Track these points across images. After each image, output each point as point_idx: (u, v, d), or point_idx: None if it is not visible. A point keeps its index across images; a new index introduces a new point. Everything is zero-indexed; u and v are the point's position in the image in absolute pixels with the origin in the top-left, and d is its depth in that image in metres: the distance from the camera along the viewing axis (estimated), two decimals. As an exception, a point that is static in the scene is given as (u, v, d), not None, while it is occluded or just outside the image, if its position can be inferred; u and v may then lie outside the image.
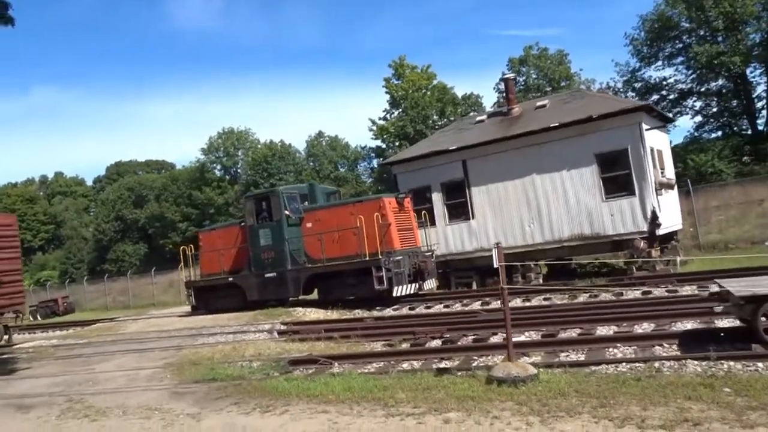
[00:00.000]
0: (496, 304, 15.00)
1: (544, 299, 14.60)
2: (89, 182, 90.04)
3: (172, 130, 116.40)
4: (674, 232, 19.36)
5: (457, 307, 15.59)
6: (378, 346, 10.94)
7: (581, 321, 10.00)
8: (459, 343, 10.19)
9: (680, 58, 37.24)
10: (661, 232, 17.04)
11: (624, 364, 6.68)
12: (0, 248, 18.42)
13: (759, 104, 37.05)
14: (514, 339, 9.63)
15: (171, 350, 12.47)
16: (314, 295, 19.38)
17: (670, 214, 18.39)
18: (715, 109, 38.31)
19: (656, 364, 6.45)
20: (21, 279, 20.13)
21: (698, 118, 38.60)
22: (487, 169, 19.07)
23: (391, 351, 9.68)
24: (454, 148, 19.65)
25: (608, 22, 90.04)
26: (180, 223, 59.19)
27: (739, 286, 7.15)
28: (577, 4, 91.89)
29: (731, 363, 6.23)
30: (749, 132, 37.06)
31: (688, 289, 12.97)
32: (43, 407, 8.25)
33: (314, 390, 6.96)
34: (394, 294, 16.76)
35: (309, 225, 18.58)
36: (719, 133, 38.28)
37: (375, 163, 54.91)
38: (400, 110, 51.09)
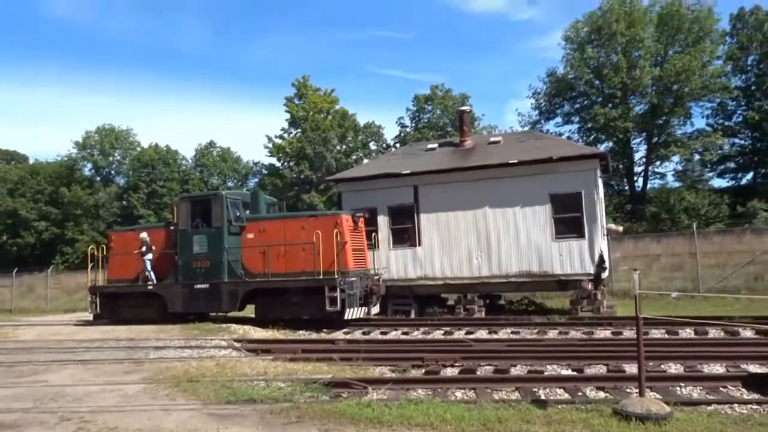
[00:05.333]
0: (459, 333, 14.65)
1: (512, 332, 14.46)
2: None
3: (26, 120, 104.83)
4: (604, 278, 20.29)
5: (417, 334, 15.01)
6: (385, 371, 10.08)
7: (605, 357, 9.88)
8: (477, 373, 9.61)
9: (576, 118, 40.24)
10: (604, 275, 17.78)
11: (737, 405, 6.55)
12: None
13: (638, 169, 40.79)
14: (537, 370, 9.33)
15: (127, 363, 10.67)
16: (240, 313, 17.92)
17: (607, 260, 19.27)
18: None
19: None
20: None
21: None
22: (439, 197, 18.89)
23: (435, 378, 8.87)
24: (407, 172, 19.29)
25: (485, 76, 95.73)
26: (36, 222, 52.90)
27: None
28: (461, 57, 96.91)
29: None
30: (629, 192, 40.60)
31: (656, 333, 13.44)
32: (34, 427, 6.49)
33: (416, 418, 6.06)
34: (346, 317, 15.88)
35: (250, 236, 17.21)
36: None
37: (266, 180, 53.12)
38: (299, 131, 50.12)
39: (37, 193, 53.81)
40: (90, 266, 19.46)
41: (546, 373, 9.16)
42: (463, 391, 8.08)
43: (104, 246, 19.28)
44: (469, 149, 20.61)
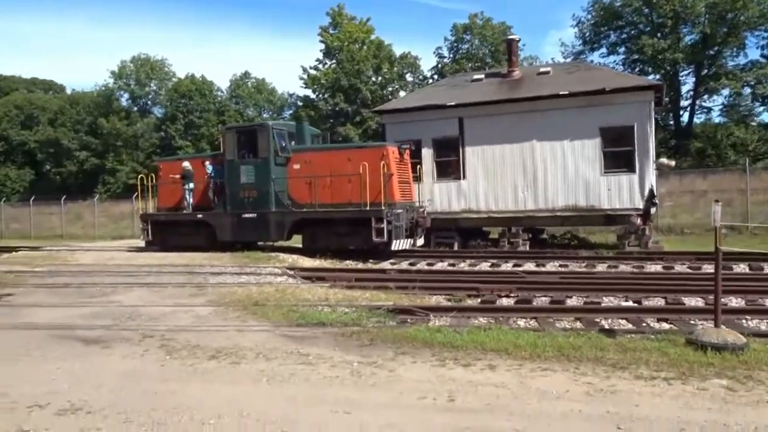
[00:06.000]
0: (506, 266, 14.73)
1: (560, 266, 14.47)
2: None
3: (61, 50, 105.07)
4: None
5: (464, 266, 15.14)
6: (441, 299, 10.26)
7: (661, 291, 9.87)
8: (533, 303, 9.70)
9: (622, 48, 38.73)
10: (653, 210, 17.53)
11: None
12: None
13: (684, 103, 39.44)
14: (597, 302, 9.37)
15: (189, 287, 11.03)
16: (286, 243, 18.20)
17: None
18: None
19: None
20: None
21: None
22: (485, 129, 18.59)
23: (494, 307, 9.01)
24: (452, 104, 18.96)
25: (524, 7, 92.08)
26: (77, 151, 53.88)
27: None
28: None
29: None
30: (674, 127, 39.42)
31: (709, 267, 13.29)
32: (120, 343, 6.81)
33: (488, 344, 6.18)
34: (393, 248, 16.08)
35: (296, 167, 17.29)
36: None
37: (301, 112, 52.89)
38: (334, 62, 49.33)
39: (77, 123, 54.57)
40: (136, 195, 19.89)
41: (604, 305, 9.19)
42: (524, 320, 8.20)
43: (153, 175, 19.62)
44: (517, 80, 20.08)
